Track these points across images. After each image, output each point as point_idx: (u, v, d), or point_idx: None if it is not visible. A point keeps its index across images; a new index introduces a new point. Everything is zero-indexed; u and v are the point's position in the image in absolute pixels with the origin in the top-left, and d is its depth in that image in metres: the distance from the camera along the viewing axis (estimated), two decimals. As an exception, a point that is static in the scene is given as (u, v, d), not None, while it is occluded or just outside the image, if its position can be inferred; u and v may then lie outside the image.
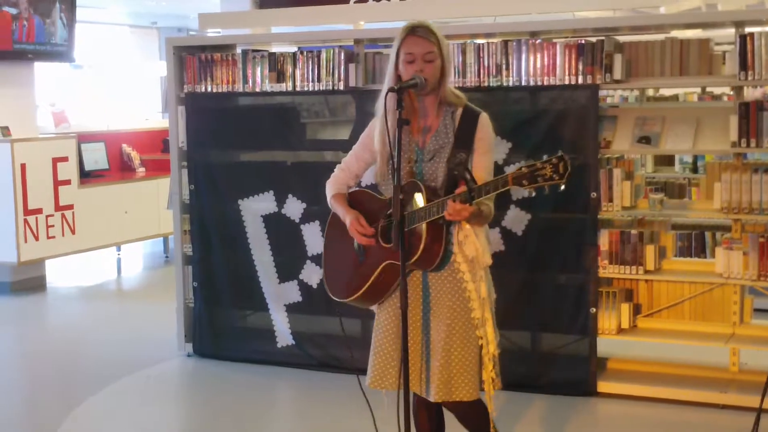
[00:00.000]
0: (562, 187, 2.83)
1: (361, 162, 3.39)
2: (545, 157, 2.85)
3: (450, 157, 3.13)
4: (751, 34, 4.52)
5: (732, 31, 4.69)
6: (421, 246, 3.07)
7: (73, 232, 8.10)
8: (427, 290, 3.22)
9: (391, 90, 3.05)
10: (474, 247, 3.14)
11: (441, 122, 3.20)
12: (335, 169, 3.46)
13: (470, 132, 3.17)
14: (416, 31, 3.13)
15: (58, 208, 7.95)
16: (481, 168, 3.18)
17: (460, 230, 3.13)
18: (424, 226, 3.06)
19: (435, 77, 3.14)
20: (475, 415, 3.28)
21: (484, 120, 3.21)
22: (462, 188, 2.98)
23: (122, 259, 9.54)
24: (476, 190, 2.95)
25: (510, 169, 4.73)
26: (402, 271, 2.99)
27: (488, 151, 3.22)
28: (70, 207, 8.07)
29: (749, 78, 4.53)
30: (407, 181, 3.13)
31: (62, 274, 8.86)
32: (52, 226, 7.90)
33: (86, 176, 8.56)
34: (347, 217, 3.30)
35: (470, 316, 3.17)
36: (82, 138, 8.67)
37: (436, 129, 3.20)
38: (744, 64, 4.52)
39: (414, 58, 3.11)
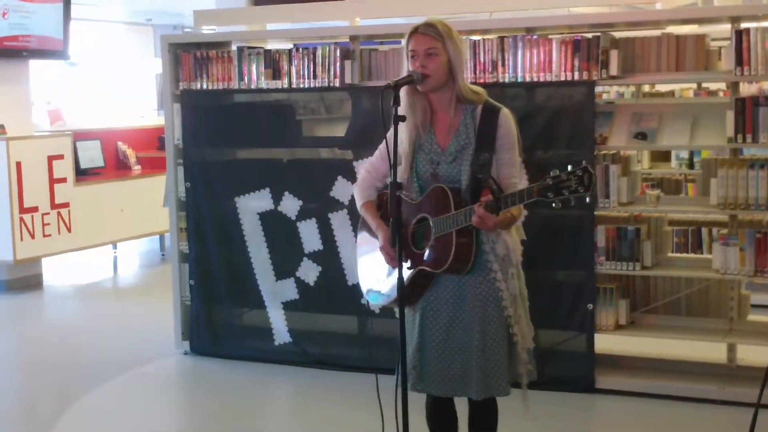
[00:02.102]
0: (588, 199, 2.79)
1: (386, 162, 3.24)
2: (569, 168, 2.78)
3: (473, 159, 3.10)
4: (747, 30, 4.51)
5: (728, 26, 4.68)
6: (452, 254, 3.05)
7: (69, 230, 8.09)
8: (459, 291, 3.18)
9: (386, 87, 3.04)
10: (505, 245, 3.13)
11: (461, 121, 3.16)
12: (362, 170, 3.42)
13: (491, 130, 3.12)
14: (418, 29, 3.14)
15: (54, 206, 7.94)
16: (508, 165, 3.15)
17: (492, 230, 3.10)
18: (453, 232, 3.04)
19: (439, 72, 3.10)
20: (495, 413, 3.30)
21: (505, 116, 3.15)
22: (488, 196, 2.96)
23: (118, 257, 9.52)
24: (502, 200, 2.92)
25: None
26: (399, 270, 2.99)
27: (512, 146, 3.17)
28: (66, 205, 8.06)
29: (745, 73, 4.53)
30: (434, 187, 3.12)
31: (58, 272, 8.84)
32: (48, 224, 7.88)
33: (82, 174, 8.55)
34: (379, 233, 3.25)
35: (503, 314, 3.14)
36: (78, 136, 8.65)
37: (457, 128, 3.16)
38: (740, 60, 4.52)
39: (416, 54, 3.11)
